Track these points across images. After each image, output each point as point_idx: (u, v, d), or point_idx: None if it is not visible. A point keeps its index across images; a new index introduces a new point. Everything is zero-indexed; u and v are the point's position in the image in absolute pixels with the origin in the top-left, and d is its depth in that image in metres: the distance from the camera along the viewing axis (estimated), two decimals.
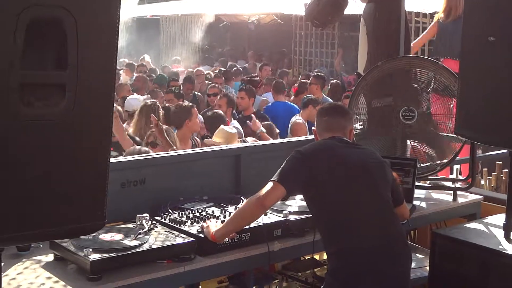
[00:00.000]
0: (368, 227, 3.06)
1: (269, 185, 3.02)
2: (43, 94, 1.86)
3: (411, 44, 6.22)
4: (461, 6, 5.87)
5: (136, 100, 7.92)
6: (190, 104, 6.52)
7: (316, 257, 4.23)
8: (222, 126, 5.94)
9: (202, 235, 3.06)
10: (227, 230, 3.05)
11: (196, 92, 10.23)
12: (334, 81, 11.29)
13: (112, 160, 3.65)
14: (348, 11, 5.30)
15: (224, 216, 3.32)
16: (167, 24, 21.09)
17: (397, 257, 3.10)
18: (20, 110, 1.81)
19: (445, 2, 6.17)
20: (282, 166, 3.08)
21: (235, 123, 7.23)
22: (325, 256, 4.36)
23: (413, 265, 3.44)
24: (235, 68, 13.71)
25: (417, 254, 4.20)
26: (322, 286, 3.15)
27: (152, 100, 6.99)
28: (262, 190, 3.03)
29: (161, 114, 6.35)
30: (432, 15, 12.07)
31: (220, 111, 6.98)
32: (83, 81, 1.87)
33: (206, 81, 11.49)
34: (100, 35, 1.88)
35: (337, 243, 3.06)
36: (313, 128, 3.47)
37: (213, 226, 3.09)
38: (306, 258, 4.06)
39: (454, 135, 3.73)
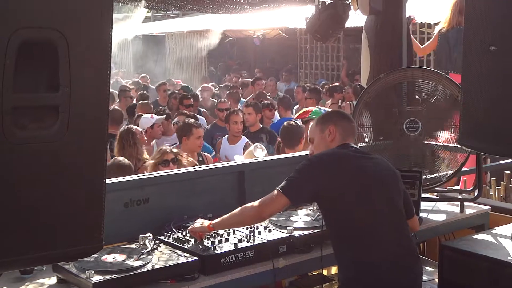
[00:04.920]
0: (385, 240, 3.04)
1: (272, 194, 3.01)
2: (37, 116, 1.84)
3: (419, 47, 6.20)
4: (457, 15, 5.86)
5: (147, 119, 7.90)
6: (193, 121, 6.40)
7: (324, 272, 4.18)
8: (250, 150, 5.82)
9: (204, 254, 3.04)
10: (223, 225, 3.19)
11: (201, 109, 10.23)
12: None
13: (114, 180, 3.68)
14: (351, 23, 5.29)
15: (228, 234, 3.30)
16: (173, 41, 21.17)
17: (410, 271, 3.09)
18: (14, 133, 1.79)
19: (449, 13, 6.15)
20: (291, 174, 3.05)
21: (245, 139, 7.21)
22: (333, 271, 4.33)
23: (423, 278, 3.40)
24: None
25: (426, 267, 4.14)
26: None
27: (130, 125, 6.90)
28: (264, 198, 3.04)
29: (137, 137, 6.25)
30: (436, 25, 12.04)
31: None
32: (76, 102, 1.84)
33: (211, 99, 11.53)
34: (92, 56, 1.86)
35: (352, 255, 3.03)
36: (332, 129, 3.26)
37: (204, 221, 3.24)
38: (314, 274, 4.02)
39: (459, 146, 3.69)
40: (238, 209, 3.13)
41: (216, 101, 10.39)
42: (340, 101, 10.34)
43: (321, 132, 3.28)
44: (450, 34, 5.99)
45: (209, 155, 6.43)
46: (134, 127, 6.59)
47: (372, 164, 3.16)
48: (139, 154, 6.17)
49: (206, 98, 11.49)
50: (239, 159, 5.77)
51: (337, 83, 12.65)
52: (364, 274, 2.99)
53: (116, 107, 8.04)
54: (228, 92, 11.21)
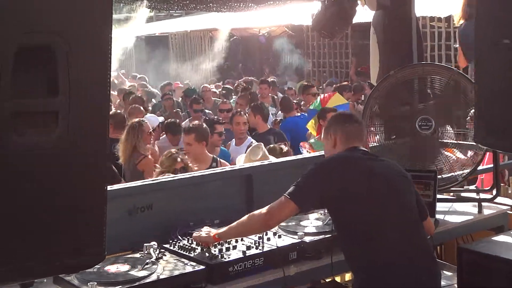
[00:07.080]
0: (396, 241, 2.99)
1: (280, 201, 2.96)
2: (36, 122, 1.78)
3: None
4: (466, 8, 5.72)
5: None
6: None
7: (337, 279, 4.07)
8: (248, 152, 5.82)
9: (211, 262, 2.95)
10: (229, 235, 3.09)
11: (206, 110, 10.10)
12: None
13: (117, 186, 3.58)
14: (359, 19, 5.20)
15: (236, 241, 3.21)
16: (176, 41, 21.10)
17: (428, 271, 3.04)
18: (13, 139, 1.73)
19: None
20: (298, 179, 3.01)
21: (249, 140, 7.14)
22: (346, 278, 4.22)
23: (442, 283, 3.30)
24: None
25: (444, 271, 4.00)
26: None
27: (138, 118, 6.98)
28: (272, 205, 2.98)
29: (144, 132, 6.36)
30: (447, 19, 11.90)
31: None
32: (76, 107, 1.78)
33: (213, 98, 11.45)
34: (92, 59, 1.80)
35: (364, 258, 3.00)
36: (331, 135, 3.28)
37: (210, 230, 3.14)
38: (327, 281, 3.90)
39: (475, 144, 3.56)
40: (245, 217, 3.06)
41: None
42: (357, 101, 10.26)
43: (326, 138, 3.32)
44: (464, 27, 5.84)
45: (225, 161, 6.29)
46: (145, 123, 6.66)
47: (381, 166, 3.13)
48: (140, 148, 6.25)
49: (206, 99, 11.31)
50: (241, 159, 5.72)
51: (346, 82, 12.57)
52: (376, 277, 2.95)
53: (118, 111, 8.00)
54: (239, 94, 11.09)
